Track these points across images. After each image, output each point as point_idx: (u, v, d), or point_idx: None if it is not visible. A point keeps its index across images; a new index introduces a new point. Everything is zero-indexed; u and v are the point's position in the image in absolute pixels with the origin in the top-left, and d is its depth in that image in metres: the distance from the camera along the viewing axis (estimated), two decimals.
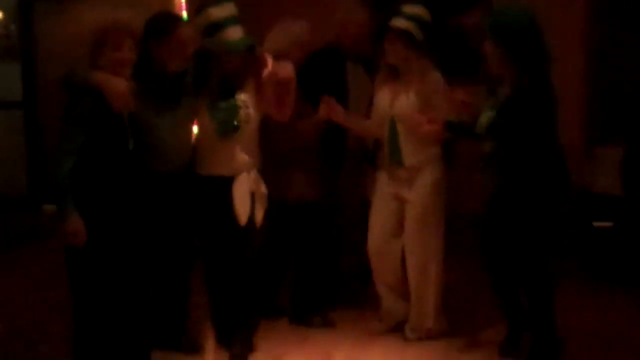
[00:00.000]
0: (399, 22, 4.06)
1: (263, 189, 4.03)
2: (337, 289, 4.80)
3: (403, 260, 4.29)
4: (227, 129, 3.85)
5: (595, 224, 5.56)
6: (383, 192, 4.28)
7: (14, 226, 7.28)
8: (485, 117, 3.67)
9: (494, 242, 3.80)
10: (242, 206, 3.92)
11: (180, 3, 5.73)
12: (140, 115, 3.62)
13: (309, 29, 4.42)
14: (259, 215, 4.03)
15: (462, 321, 4.46)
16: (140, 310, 3.61)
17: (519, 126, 3.53)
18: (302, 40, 4.35)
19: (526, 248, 3.68)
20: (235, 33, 3.82)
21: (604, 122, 6.35)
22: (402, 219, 4.23)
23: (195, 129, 4.03)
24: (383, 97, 4.21)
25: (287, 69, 3.97)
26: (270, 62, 3.94)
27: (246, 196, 3.94)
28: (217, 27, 3.80)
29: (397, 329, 4.34)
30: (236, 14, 3.86)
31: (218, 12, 3.81)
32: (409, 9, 4.09)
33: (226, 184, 3.90)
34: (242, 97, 3.88)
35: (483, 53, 3.79)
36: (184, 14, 5.59)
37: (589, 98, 6.50)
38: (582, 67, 6.47)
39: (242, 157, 3.92)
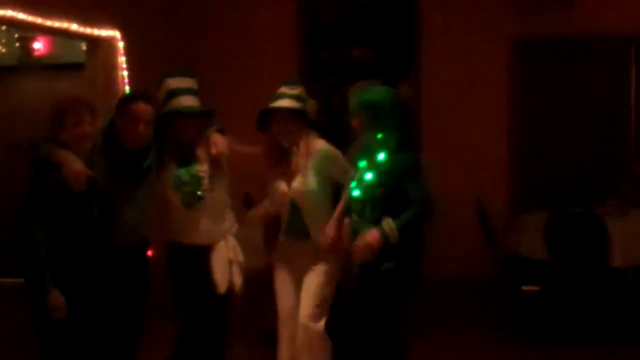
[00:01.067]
0: (286, 103, 3.95)
1: (240, 256, 4.09)
2: None
3: None
4: (191, 200, 3.92)
5: (524, 287, 5.79)
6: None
7: None
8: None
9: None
10: (221, 275, 3.99)
11: (123, 77, 5.78)
12: (101, 189, 3.62)
13: None
14: (238, 282, 4.06)
15: None
16: None
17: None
18: None
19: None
20: (189, 101, 3.93)
21: (528, 189, 6.68)
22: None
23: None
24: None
25: (221, 143, 4.00)
26: (214, 136, 4.01)
27: (225, 264, 4.01)
28: (172, 94, 3.92)
29: None
30: (194, 87, 4.00)
31: (176, 82, 3.94)
32: (290, 89, 4.00)
33: (203, 252, 3.98)
34: (202, 168, 3.94)
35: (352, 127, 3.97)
36: (127, 89, 5.67)
37: (511, 166, 6.85)
38: (505, 134, 6.83)
39: (212, 225, 3.99)
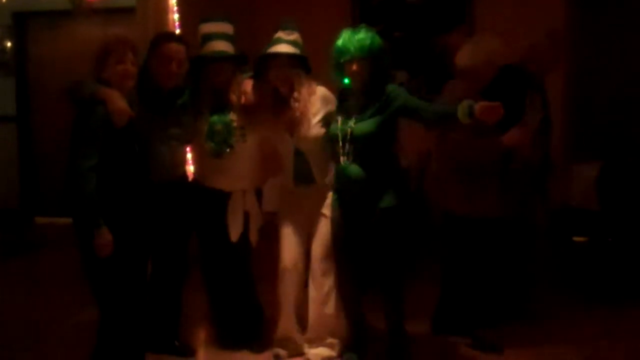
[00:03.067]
0: (284, 48, 3.88)
1: (257, 208, 4.14)
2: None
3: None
4: (222, 149, 3.97)
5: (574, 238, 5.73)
6: None
7: (7, 238, 7.39)
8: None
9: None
10: (234, 224, 4.06)
11: (174, 21, 5.78)
12: (137, 126, 3.66)
13: (503, 44, 4.16)
14: (253, 234, 4.13)
15: None
16: (139, 313, 3.71)
17: None
18: (496, 58, 4.09)
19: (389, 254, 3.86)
20: (221, 45, 3.95)
21: (581, 139, 6.55)
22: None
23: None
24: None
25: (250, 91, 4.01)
26: (245, 84, 4.03)
27: (239, 215, 4.07)
28: (206, 39, 3.97)
29: None
30: (229, 32, 4.01)
31: (210, 27, 3.98)
32: (287, 34, 3.91)
33: (223, 198, 4.05)
34: (235, 117, 3.98)
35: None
36: (177, 32, 5.67)
37: (566, 117, 6.70)
38: (561, 87, 6.67)
39: (238, 175, 4.03)
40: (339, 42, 3.81)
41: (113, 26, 7.23)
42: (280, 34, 3.91)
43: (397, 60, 7.06)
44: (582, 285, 5.29)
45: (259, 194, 4.23)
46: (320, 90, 3.98)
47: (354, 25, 3.93)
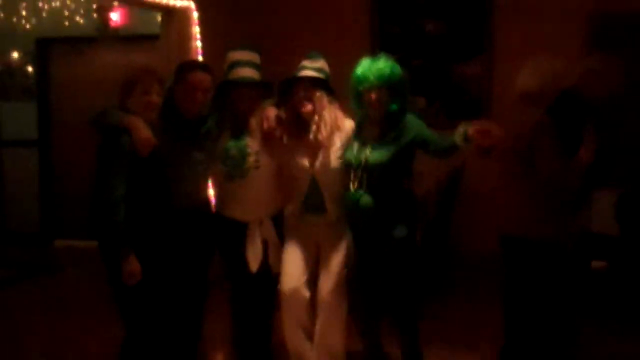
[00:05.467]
0: (310, 72, 3.90)
1: (275, 236, 4.11)
2: None
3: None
4: (235, 174, 3.98)
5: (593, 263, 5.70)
6: None
7: (27, 260, 7.46)
8: None
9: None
10: (252, 255, 4.05)
11: (197, 48, 5.86)
12: (161, 155, 3.70)
13: (566, 66, 4.05)
14: (274, 262, 4.10)
15: None
16: (163, 337, 3.78)
17: None
18: (558, 80, 3.97)
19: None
20: (247, 72, 3.98)
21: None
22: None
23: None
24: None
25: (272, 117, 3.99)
26: (268, 110, 4.02)
27: (257, 245, 4.05)
28: (233, 65, 4.01)
29: None
30: (256, 61, 4.05)
31: (237, 55, 4.02)
32: (312, 62, 3.93)
33: (240, 228, 4.05)
34: (252, 142, 3.98)
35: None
36: (200, 59, 5.74)
37: None
38: None
39: (253, 202, 4.03)
40: (358, 70, 3.81)
41: (136, 53, 7.32)
42: (305, 62, 3.94)
43: (415, 86, 7.12)
44: (600, 309, 5.28)
45: (278, 221, 4.20)
46: (348, 123, 3.98)
47: (374, 53, 3.95)
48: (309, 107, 3.90)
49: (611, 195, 5.33)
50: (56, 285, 6.73)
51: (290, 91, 3.96)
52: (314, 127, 3.91)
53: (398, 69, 3.80)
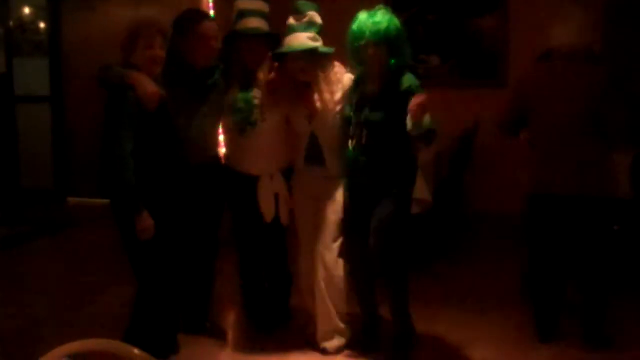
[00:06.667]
0: (296, 41, 3.79)
1: (286, 190, 4.13)
2: None
3: None
4: (243, 126, 3.96)
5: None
6: None
7: (41, 217, 7.51)
8: None
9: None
10: (266, 206, 4.08)
11: (208, 2, 5.80)
12: (169, 109, 3.65)
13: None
14: (284, 214, 4.15)
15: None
16: (175, 292, 3.78)
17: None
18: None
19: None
20: (255, 22, 3.92)
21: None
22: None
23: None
24: None
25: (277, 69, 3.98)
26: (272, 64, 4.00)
27: (270, 197, 4.08)
28: (241, 15, 3.94)
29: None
30: (264, 10, 3.98)
31: (245, 3, 3.95)
32: (298, 19, 3.82)
33: (251, 182, 4.07)
34: (257, 94, 3.95)
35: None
36: (211, 12, 5.67)
37: None
38: None
39: (261, 155, 4.03)
40: (354, 25, 3.67)
41: (147, 7, 7.22)
42: (291, 21, 3.83)
43: (430, 43, 7.04)
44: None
45: (288, 175, 4.19)
46: (347, 78, 3.91)
47: (388, 5, 3.85)
48: (302, 77, 3.86)
49: (625, 157, 5.25)
50: (70, 241, 6.78)
51: (283, 57, 3.89)
52: (313, 89, 3.88)
53: (395, 22, 3.66)
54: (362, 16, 3.67)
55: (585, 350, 4.03)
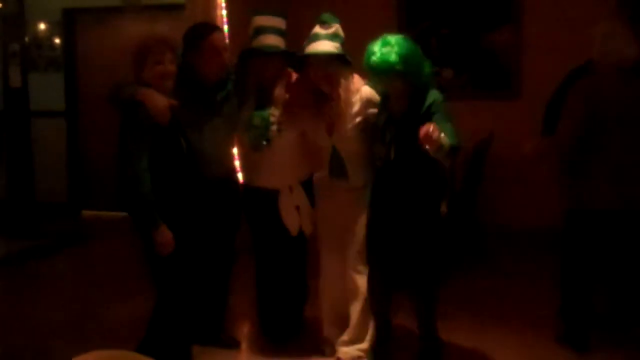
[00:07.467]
0: (321, 46, 3.78)
1: (307, 202, 4.12)
2: None
3: None
4: (258, 143, 3.96)
5: None
6: None
7: (55, 231, 7.53)
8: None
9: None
10: (290, 220, 4.08)
11: (222, 17, 5.81)
12: (182, 123, 3.68)
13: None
14: (307, 226, 4.15)
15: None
16: (192, 305, 3.79)
17: None
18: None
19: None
20: (272, 40, 3.91)
21: None
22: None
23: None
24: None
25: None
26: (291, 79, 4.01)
27: (293, 210, 4.08)
28: (257, 32, 3.93)
29: None
30: (281, 27, 3.96)
31: (262, 20, 3.94)
32: (325, 28, 3.81)
33: (270, 196, 4.06)
34: (274, 112, 3.95)
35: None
36: (225, 27, 5.70)
37: None
38: None
39: (279, 170, 4.02)
40: (366, 60, 3.59)
41: (162, 23, 7.28)
42: (317, 29, 3.83)
43: (443, 56, 7.03)
44: None
45: (308, 186, 4.18)
46: (365, 91, 3.89)
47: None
48: (325, 85, 3.85)
49: None
50: (85, 255, 6.81)
51: (305, 63, 3.89)
52: (333, 103, 3.87)
53: (406, 49, 3.56)
54: (371, 48, 3.58)
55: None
